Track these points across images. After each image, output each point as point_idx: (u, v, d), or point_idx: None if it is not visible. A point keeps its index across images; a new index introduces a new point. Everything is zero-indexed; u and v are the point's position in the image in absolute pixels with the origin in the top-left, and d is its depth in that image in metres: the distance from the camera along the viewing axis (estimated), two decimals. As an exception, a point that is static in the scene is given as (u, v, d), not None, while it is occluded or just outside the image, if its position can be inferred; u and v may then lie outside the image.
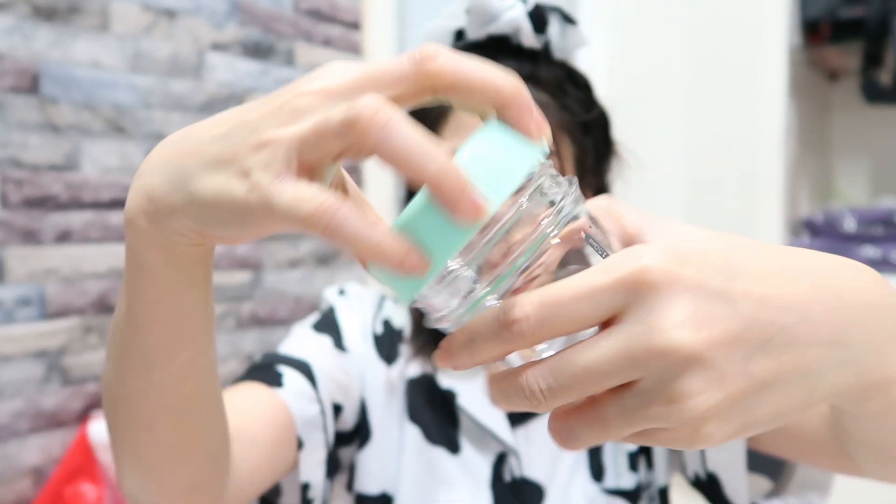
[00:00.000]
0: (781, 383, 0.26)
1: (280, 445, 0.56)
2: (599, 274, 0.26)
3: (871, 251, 1.80)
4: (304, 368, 0.62)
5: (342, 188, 0.33)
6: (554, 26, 0.67)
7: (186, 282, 0.35)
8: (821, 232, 1.90)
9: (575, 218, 0.29)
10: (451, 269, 0.28)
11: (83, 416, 1.18)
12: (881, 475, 0.43)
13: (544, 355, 0.27)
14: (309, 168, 0.28)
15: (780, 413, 0.27)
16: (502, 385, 0.28)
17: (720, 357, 0.25)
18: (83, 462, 1.13)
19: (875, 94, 1.91)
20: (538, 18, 0.66)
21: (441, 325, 0.29)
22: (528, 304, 0.26)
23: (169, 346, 0.37)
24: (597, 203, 0.35)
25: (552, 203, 0.28)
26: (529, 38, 0.66)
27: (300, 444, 0.59)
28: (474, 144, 0.28)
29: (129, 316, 0.36)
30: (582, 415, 0.27)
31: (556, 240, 0.28)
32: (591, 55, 2.02)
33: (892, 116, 2.07)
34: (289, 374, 0.60)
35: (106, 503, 1.12)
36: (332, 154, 0.27)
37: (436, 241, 0.26)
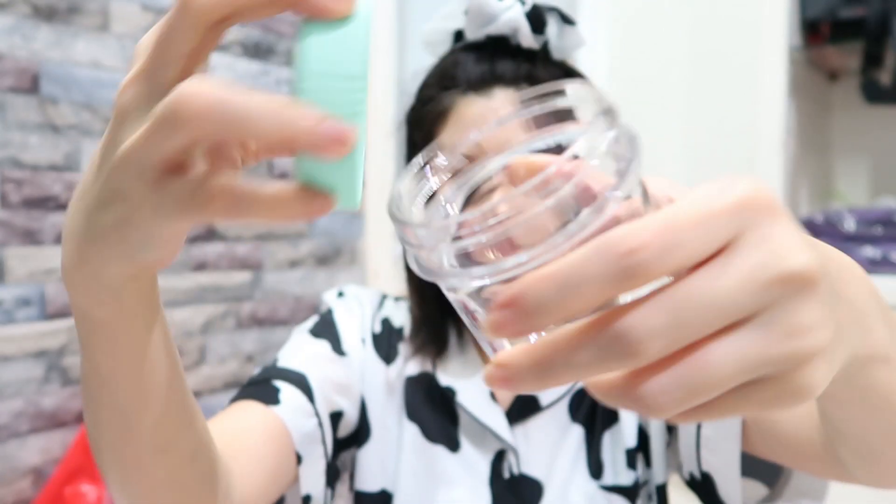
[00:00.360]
0: (845, 329, 0.27)
1: (280, 463, 0.57)
2: (713, 198, 0.22)
3: (871, 251, 1.80)
4: (301, 382, 0.63)
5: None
6: (552, 27, 0.67)
7: (140, 325, 0.34)
8: (821, 232, 1.90)
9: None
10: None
11: (83, 417, 1.18)
12: (868, 476, 0.44)
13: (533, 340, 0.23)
14: (177, 163, 0.27)
15: (841, 362, 0.27)
16: (591, 338, 0.22)
17: (828, 290, 0.24)
18: (83, 462, 1.13)
19: (875, 94, 1.91)
20: (536, 19, 0.66)
21: (425, 273, 0.25)
22: (648, 229, 0.21)
23: (139, 392, 0.37)
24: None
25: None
26: (528, 39, 0.66)
27: (299, 459, 0.60)
28: (303, 65, 0.26)
29: (93, 372, 0.36)
30: (676, 368, 0.22)
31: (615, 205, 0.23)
32: (591, 55, 2.02)
33: (892, 116, 2.06)
34: (286, 390, 0.61)
35: (106, 503, 1.12)
36: (181, 148, 0.26)
37: (336, 180, 0.26)
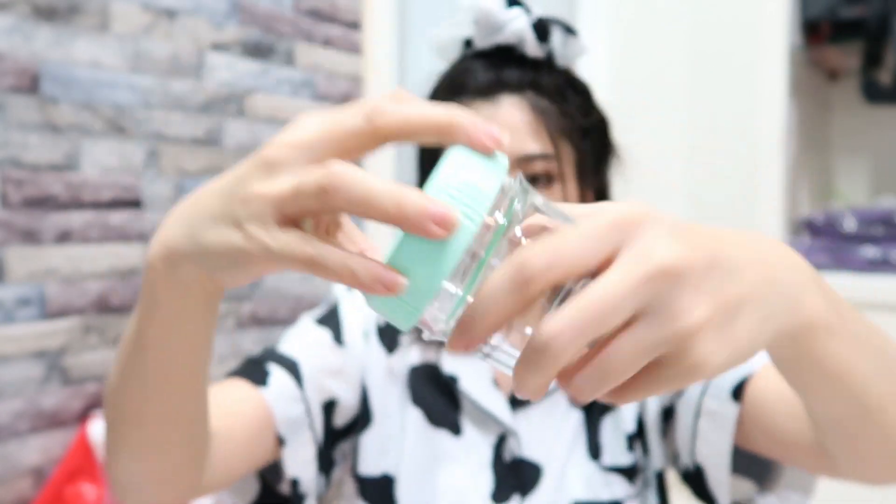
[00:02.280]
0: (747, 306, 0.30)
1: (255, 442, 0.60)
2: (594, 218, 0.29)
3: (871, 251, 1.80)
4: (293, 368, 0.66)
5: (334, 224, 0.38)
6: (556, 37, 0.71)
7: (193, 316, 0.40)
8: (821, 232, 1.90)
9: (533, 209, 0.31)
10: (450, 292, 0.30)
11: (83, 416, 1.18)
12: (852, 464, 0.47)
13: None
14: (292, 219, 0.32)
15: (752, 335, 0.31)
16: (530, 355, 0.28)
17: (703, 275, 0.29)
18: (83, 462, 1.13)
19: (875, 94, 1.91)
20: (541, 30, 0.70)
21: (434, 337, 0.31)
22: (535, 249, 0.27)
23: (167, 366, 0.43)
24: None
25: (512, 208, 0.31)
26: (533, 48, 0.70)
27: (282, 442, 0.63)
28: (439, 173, 0.30)
29: (137, 335, 0.42)
30: (591, 362, 0.29)
31: (519, 232, 0.30)
32: (591, 57, 2.03)
33: (892, 116, 2.07)
34: (276, 374, 0.65)
35: (106, 503, 1.12)
36: (308, 212, 0.32)
37: (424, 266, 0.29)
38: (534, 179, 0.67)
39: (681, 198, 2.06)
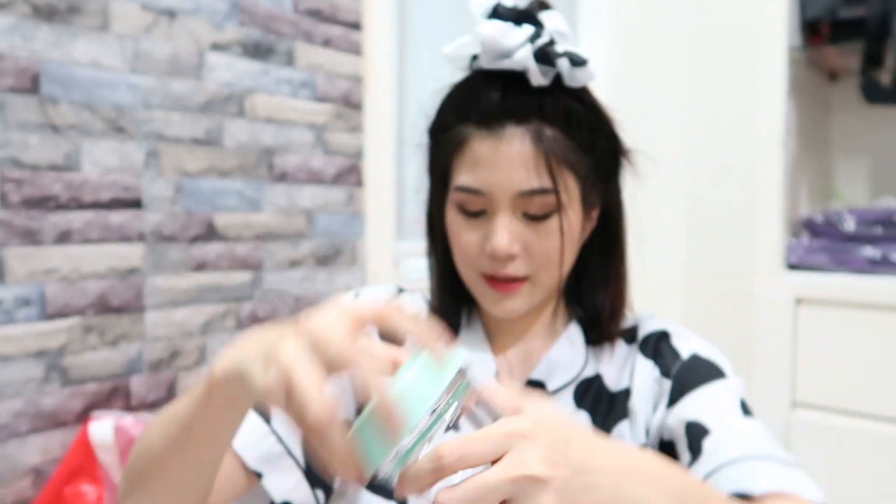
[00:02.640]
0: None
1: (224, 488, 0.64)
2: (495, 428, 0.42)
3: (871, 251, 1.80)
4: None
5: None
6: (563, 66, 0.69)
7: (236, 411, 0.52)
8: (821, 232, 1.90)
9: (472, 397, 0.45)
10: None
11: (83, 416, 1.18)
12: None
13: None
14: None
15: None
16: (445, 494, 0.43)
17: (562, 483, 0.41)
18: (83, 462, 1.13)
19: (875, 94, 1.91)
20: (546, 61, 0.68)
21: (378, 477, 0.43)
22: (448, 446, 0.42)
23: (208, 442, 0.54)
24: (493, 390, 0.48)
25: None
26: (537, 78, 0.68)
27: (259, 476, 0.65)
28: (409, 373, 0.43)
29: (190, 418, 0.53)
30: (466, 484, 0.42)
31: (450, 417, 0.44)
32: (591, 56, 2.02)
33: (892, 116, 2.07)
34: None
35: (106, 503, 1.12)
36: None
37: (375, 445, 0.42)
38: (533, 218, 0.68)
39: (681, 198, 2.06)
